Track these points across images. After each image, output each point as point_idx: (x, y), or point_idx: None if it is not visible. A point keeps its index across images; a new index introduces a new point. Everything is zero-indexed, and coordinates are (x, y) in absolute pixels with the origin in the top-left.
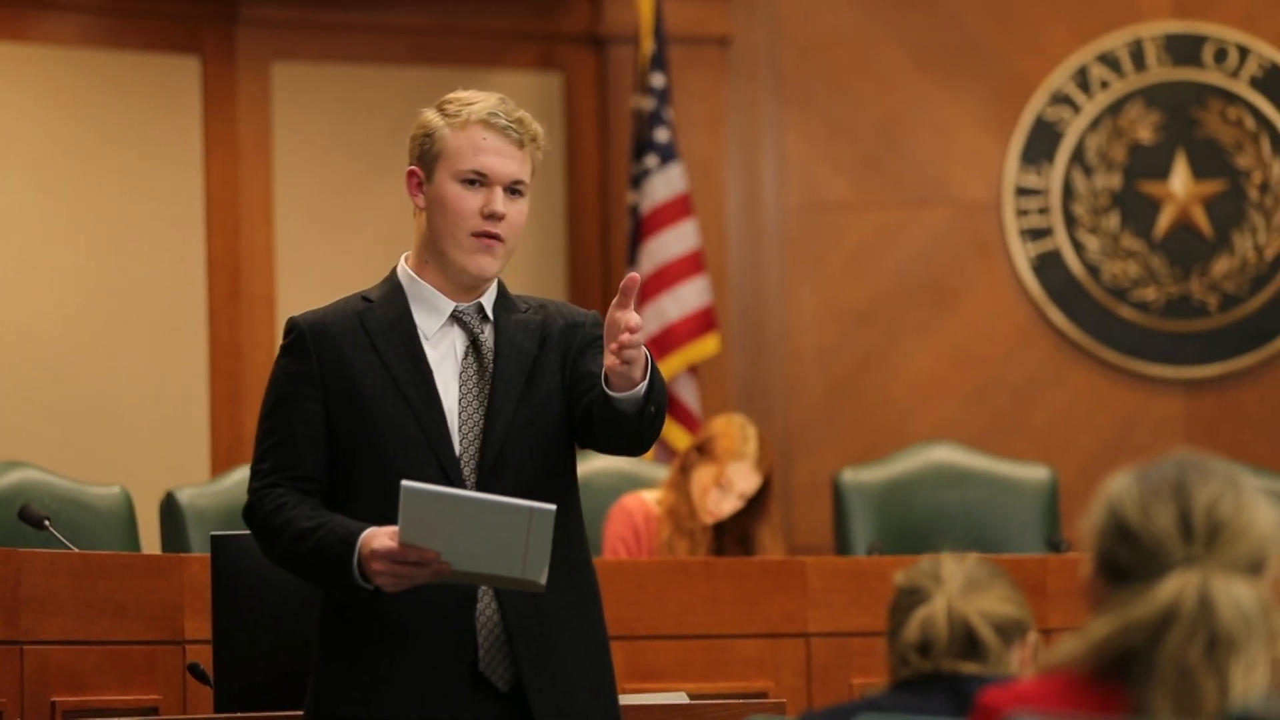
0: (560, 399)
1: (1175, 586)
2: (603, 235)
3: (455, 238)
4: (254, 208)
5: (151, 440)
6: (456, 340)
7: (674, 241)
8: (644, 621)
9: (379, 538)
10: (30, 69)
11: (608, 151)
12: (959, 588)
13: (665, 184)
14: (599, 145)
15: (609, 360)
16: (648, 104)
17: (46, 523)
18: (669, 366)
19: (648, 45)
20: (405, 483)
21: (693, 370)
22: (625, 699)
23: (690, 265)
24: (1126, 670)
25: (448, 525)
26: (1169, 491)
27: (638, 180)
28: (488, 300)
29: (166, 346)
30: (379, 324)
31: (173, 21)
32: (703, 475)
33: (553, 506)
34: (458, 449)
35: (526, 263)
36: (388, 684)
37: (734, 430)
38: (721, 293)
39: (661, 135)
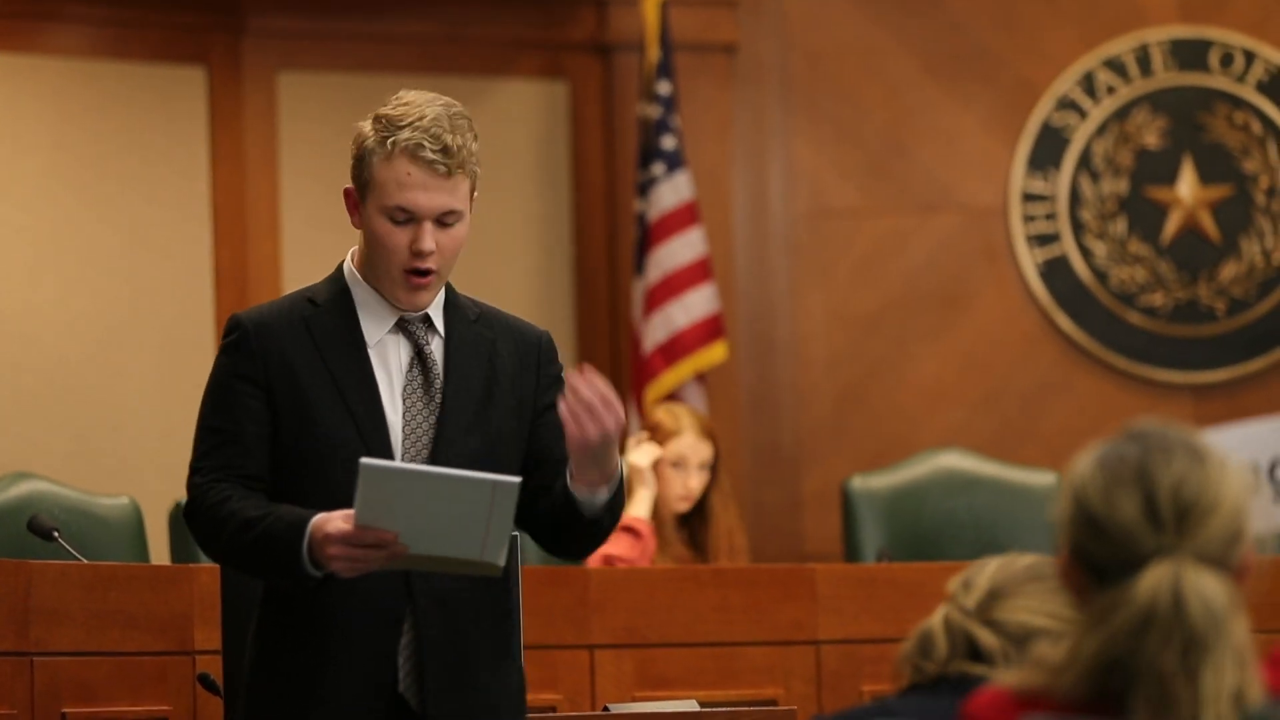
0: (516, 445)
1: (1150, 584)
2: (609, 243)
3: (388, 272)
4: (260, 218)
5: (159, 451)
6: (401, 350)
7: (681, 249)
8: (653, 630)
9: (333, 521)
10: (36, 80)
11: (614, 159)
12: (977, 598)
13: (672, 191)
14: (605, 153)
15: (573, 428)
16: (654, 111)
17: (55, 534)
18: (677, 374)
19: (654, 53)
20: (364, 460)
21: (701, 378)
22: (636, 707)
23: (698, 273)
24: (1110, 685)
25: (407, 504)
26: (1131, 476)
27: (644, 188)
28: (435, 309)
29: (173, 357)
30: (325, 330)
31: (178, 32)
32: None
33: (517, 479)
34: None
35: (533, 271)
36: (313, 701)
37: (662, 414)
38: (729, 300)
39: (668, 143)
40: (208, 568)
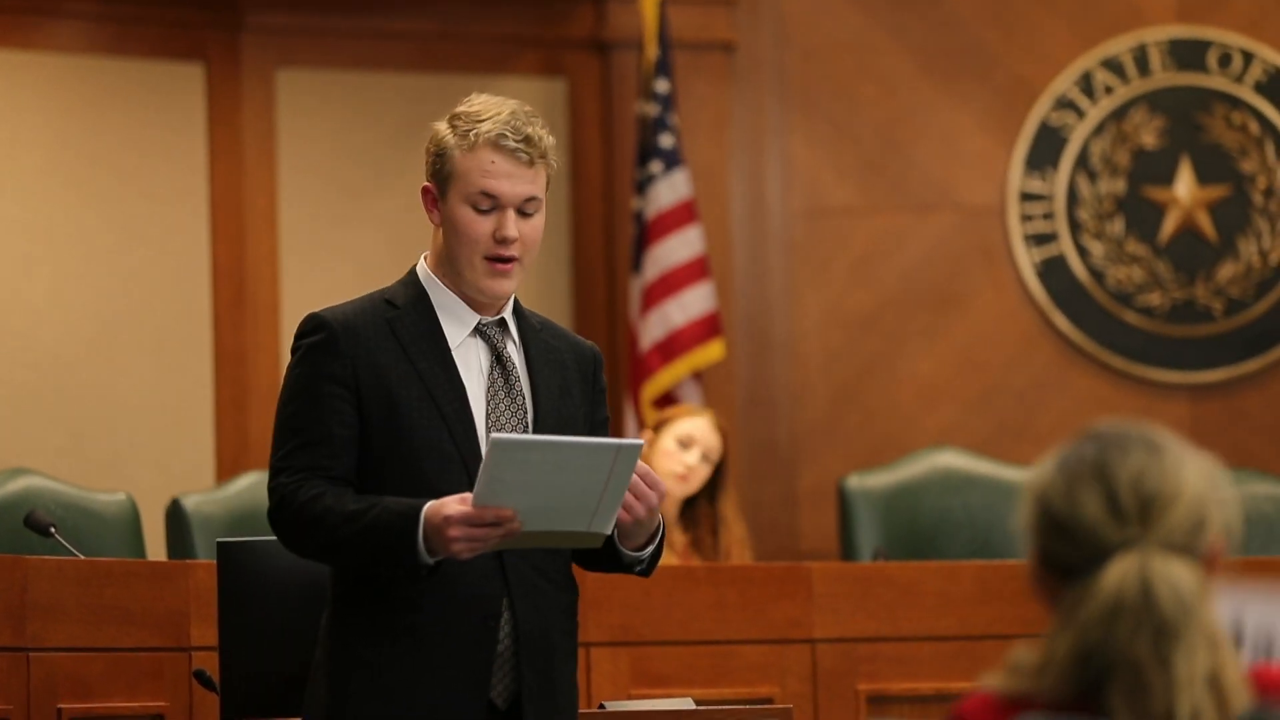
0: None
1: (1117, 575)
2: (607, 241)
3: (470, 260)
4: (258, 214)
5: (156, 447)
6: (481, 354)
7: (679, 247)
8: (650, 627)
9: (449, 505)
10: (35, 76)
11: (612, 157)
12: None
13: (670, 190)
14: (603, 151)
15: (624, 514)
16: (652, 110)
17: (52, 530)
18: (674, 372)
19: (652, 51)
20: (496, 435)
21: (697, 376)
22: (632, 705)
23: (695, 271)
24: (1086, 680)
25: (530, 476)
26: (1090, 474)
27: (642, 186)
28: (507, 313)
29: (171, 353)
30: (410, 333)
31: (177, 29)
32: (663, 443)
33: (640, 442)
34: None
35: (530, 268)
36: (410, 701)
37: (680, 408)
38: (726, 298)
39: (666, 141)
40: (204, 564)
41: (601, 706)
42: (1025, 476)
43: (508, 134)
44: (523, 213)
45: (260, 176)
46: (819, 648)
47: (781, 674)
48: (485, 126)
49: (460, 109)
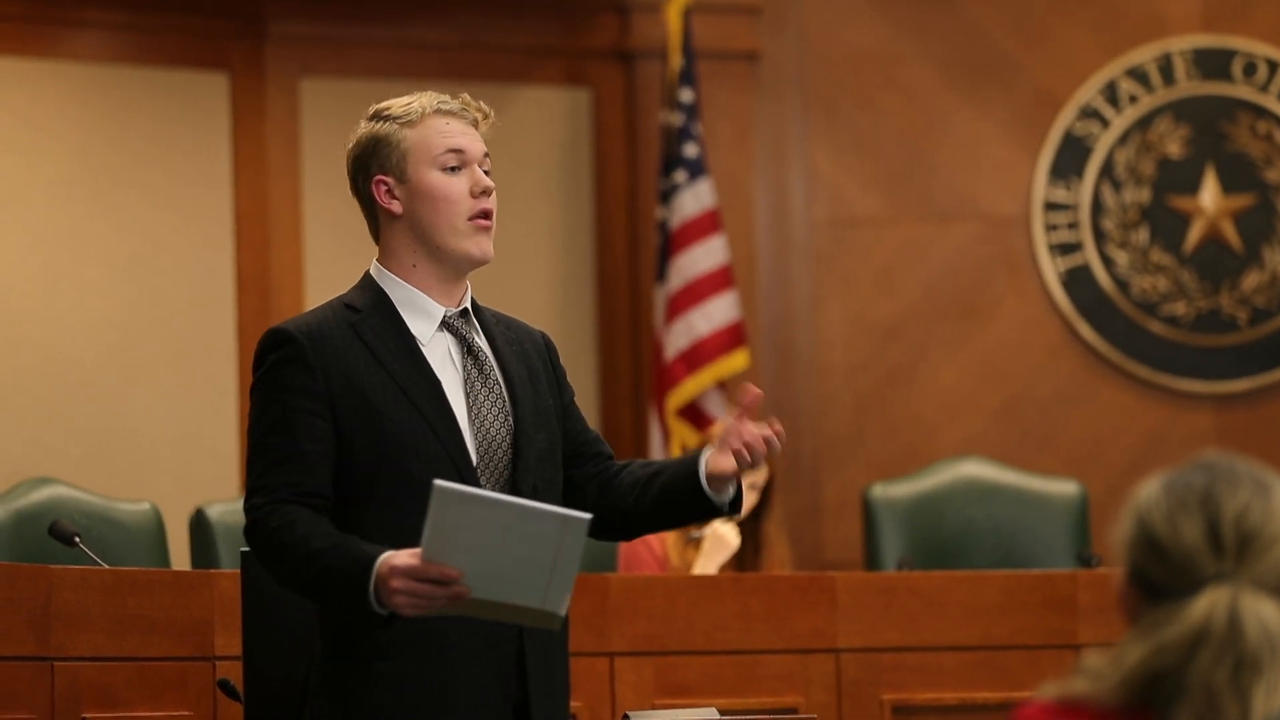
0: (560, 442)
1: (1206, 605)
2: (631, 251)
3: (453, 225)
4: (283, 224)
5: (180, 456)
6: (450, 346)
7: (703, 257)
8: (674, 637)
9: (399, 556)
10: (58, 86)
11: (636, 167)
12: None
13: (694, 199)
14: (627, 161)
15: (727, 460)
16: (676, 119)
17: (76, 539)
18: (698, 382)
19: (676, 60)
20: (438, 482)
21: (722, 386)
22: (657, 715)
23: (719, 280)
24: (1153, 696)
25: (475, 535)
26: (1196, 502)
27: (666, 196)
28: (467, 303)
29: (195, 363)
30: (376, 334)
31: (201, 38)
32: None
33: (588, 516)
34: (474, 459)
35: (554, 279)
36: (436, 711)
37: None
38: (751, 308)
39: (690, 150)
40: (228, 573)
41: (626, 717)
42: (1132, 495)
43: (446, 100)
44: (484, 171)
45: (284, 186)
46: (843, 657)
47: (806, 684)
48: (420, 102)
49: (378, 106)
